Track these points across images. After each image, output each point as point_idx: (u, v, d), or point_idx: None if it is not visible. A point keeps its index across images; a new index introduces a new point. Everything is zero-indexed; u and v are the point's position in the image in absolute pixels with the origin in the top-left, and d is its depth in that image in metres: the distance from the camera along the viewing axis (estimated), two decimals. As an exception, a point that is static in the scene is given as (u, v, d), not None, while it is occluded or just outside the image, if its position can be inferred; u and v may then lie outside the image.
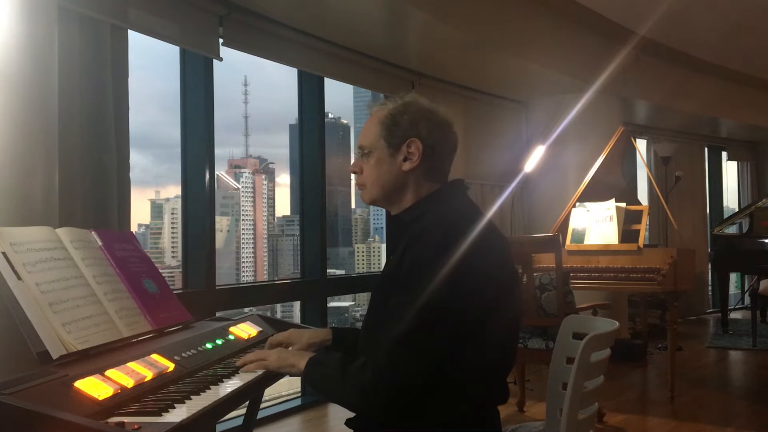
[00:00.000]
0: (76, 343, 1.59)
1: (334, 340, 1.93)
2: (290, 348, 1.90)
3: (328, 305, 5.30)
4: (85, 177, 3.14)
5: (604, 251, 4.98)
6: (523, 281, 4.03)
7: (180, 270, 4.24)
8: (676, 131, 8.91)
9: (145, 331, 1.88)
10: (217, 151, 4.12)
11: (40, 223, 2.02)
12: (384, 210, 1.98)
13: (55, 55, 2.42)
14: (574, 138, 6.29)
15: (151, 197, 7.78)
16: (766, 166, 10.51)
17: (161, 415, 1.39)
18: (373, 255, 9.06)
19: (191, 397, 1.53)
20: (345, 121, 9.59)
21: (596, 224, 5.11)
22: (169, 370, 1.66)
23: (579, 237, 5.17)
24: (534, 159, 6.01)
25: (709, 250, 8.59)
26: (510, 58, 5.70)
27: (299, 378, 1.73)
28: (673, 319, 4.85)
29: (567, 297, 4.16)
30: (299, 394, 4.89)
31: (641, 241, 4.98)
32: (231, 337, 2.09)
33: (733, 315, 8.65)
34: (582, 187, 5.39)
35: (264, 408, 4.38)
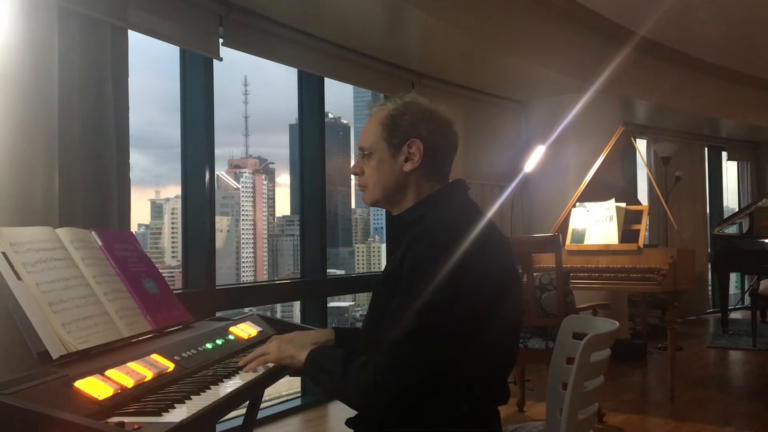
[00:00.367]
0: (76, 343, 1.59)
1: (337, 340, 1.93)
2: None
3: (328, 305, 5.30)
4: (85, 177, 3.14)
5: (604, 251, 4.98)
6: (523, 281, 4.03)
7: (180, 270, 4.24)
8: (676, 131, 8.91)
9: (145, 331, 1.87)
10: (217, 151, 4.13)
11: (40, 223, 2.02)
12: (384, 210, 1.98)
13: (55, 55, 2.42)
14: (574, 138, 6.29)
15: (151, 197, 7.79)
16: (766, 166, 10.51)
17: (161, 415, 1.39)
18: (373, 255, 9.06)
19: (191, 397, 1.53)
20: (345, 121, 9.60)
21: (596, 224, 5.11)
22: (169, 370, 1.66)
23: (579, 237, 5.17)
24: (534, 159, 6.01)
25: (709, 250, 8.59)
26: (510, 58, 5.70)
27: (299, 378, 1.73)
28: (673, 319, 4.85)
29: (567, 297, 4.16)
30: (299, 394, 4.89)
31: (641, 241, 4.98)
32: (231, 337, 2.09)
33: (733, 315, 8.65)
34: (582, 187, 5.39)
35: (264, 408, 4.38)
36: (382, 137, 1.72)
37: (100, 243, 1.94)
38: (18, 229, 1.71)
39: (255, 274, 8.60)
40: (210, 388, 1.62)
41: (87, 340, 1.63)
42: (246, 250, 8.56)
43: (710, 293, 9.66)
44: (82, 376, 1.44)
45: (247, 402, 2.33)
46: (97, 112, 3.21)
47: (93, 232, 1.96)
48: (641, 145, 8.60)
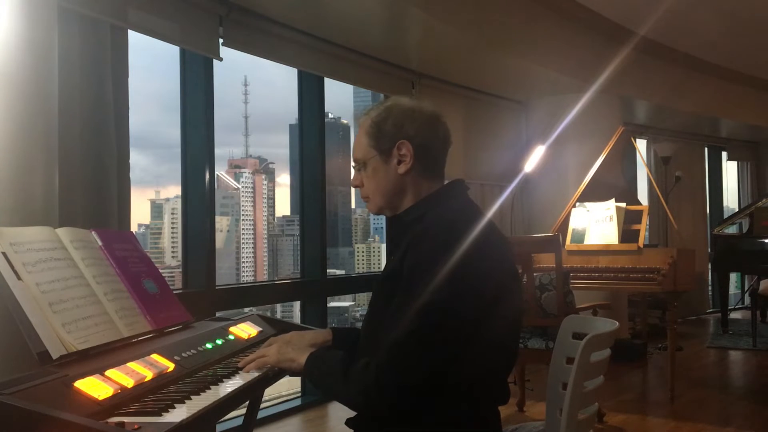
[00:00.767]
0: (76, 343, 1.59)
1: (335, 340, 1.93)
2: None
3: (328, 305, 5.30)
4: (85, 177, 3.14)
5: (604, 251, 4.98)
6: (523, 281, 4.03)
7: (180, 270, 4.24)
8: (676, 131, 8.91)
9: (145, 331, 1.87)
10: (217, 151, 4.13)
11: (40, 223, 2.02)
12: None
13: (55, 55, 2.42)
14: (574, 138, 6.29)
15: (151, 197, 7.80)
16: (766, 166, 10.51)
17: (161, 415, 1.39)
18: (373, 255, 9.07)
19: (191, 397, 1.53)
20: (345, 121, 9.61)
21: (596, 224, 5.11)
22: (169, 370, 1.66)
23: (579, 237, 5.17)
24: (534, 159, 6.01)
25: (709, 250, 8.59)
26: (510, 58, 5.70)
27: (299, 378, 1.73)
28: (673, 319, 4.86)
29: (567, 297, 4.16)
30: (299, 394, 4.89)
31: (641, 241, 4.98)
32: (231, 337, 2.09)
33: (733, 315, 8.65)
34: (582, 187, 5.39)
35: (264, 408, 4.38)
36: (371, 146, 1.73)
37: (100, 243, 1.94)
38: (18, 229, 1.71)
39: (255, 274, 8.61)
40: (210, 388, 1.61)
41: (87, 340, 1.63)
42: (246, 250, 8.57)
43: (710, 293, 9.66)
44: (82, 376, 1.44)
45: (247, 402, 2.33)
46: (97, 112, 3.21)
47: (93, 232, 1.96)
48: (641, 145, 8.60)
